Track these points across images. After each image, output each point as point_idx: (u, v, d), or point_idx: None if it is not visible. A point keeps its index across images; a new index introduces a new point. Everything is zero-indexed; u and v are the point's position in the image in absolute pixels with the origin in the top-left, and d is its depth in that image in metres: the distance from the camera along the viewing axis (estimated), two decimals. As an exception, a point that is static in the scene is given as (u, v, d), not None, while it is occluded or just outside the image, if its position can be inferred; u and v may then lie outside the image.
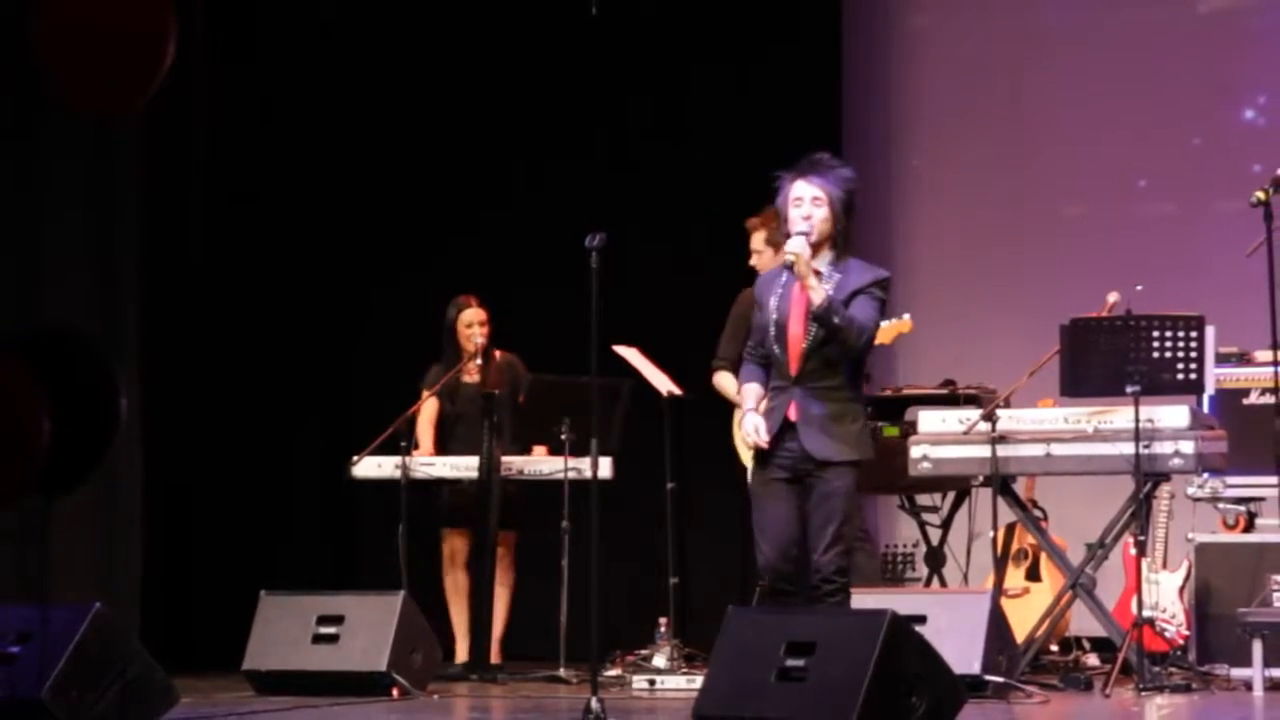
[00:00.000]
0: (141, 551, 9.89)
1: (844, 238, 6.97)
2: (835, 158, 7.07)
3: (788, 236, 6.94)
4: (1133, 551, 9.05)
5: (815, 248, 6.88)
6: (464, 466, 9.81)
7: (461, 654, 9.95)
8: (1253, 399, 9.51)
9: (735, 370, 8.44)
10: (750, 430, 6.90)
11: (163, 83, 3.68)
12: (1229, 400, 9.50)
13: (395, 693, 8.72)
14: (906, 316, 9.24)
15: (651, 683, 9.11)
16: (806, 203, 6.90)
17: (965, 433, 9.14)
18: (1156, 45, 11.31)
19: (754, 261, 9.11)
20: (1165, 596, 9.30)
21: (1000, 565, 9.72)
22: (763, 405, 6.98)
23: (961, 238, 11.49)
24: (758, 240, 9.15)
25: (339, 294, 11.47)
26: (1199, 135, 11.25)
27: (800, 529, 6.89)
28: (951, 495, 10.39)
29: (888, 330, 9.05)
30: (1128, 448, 8.78)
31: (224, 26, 10.87)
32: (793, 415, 6.87)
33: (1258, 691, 8.57)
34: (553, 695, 9.02)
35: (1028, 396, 9.50)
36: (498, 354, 10.05)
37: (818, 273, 6.88)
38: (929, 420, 9.34)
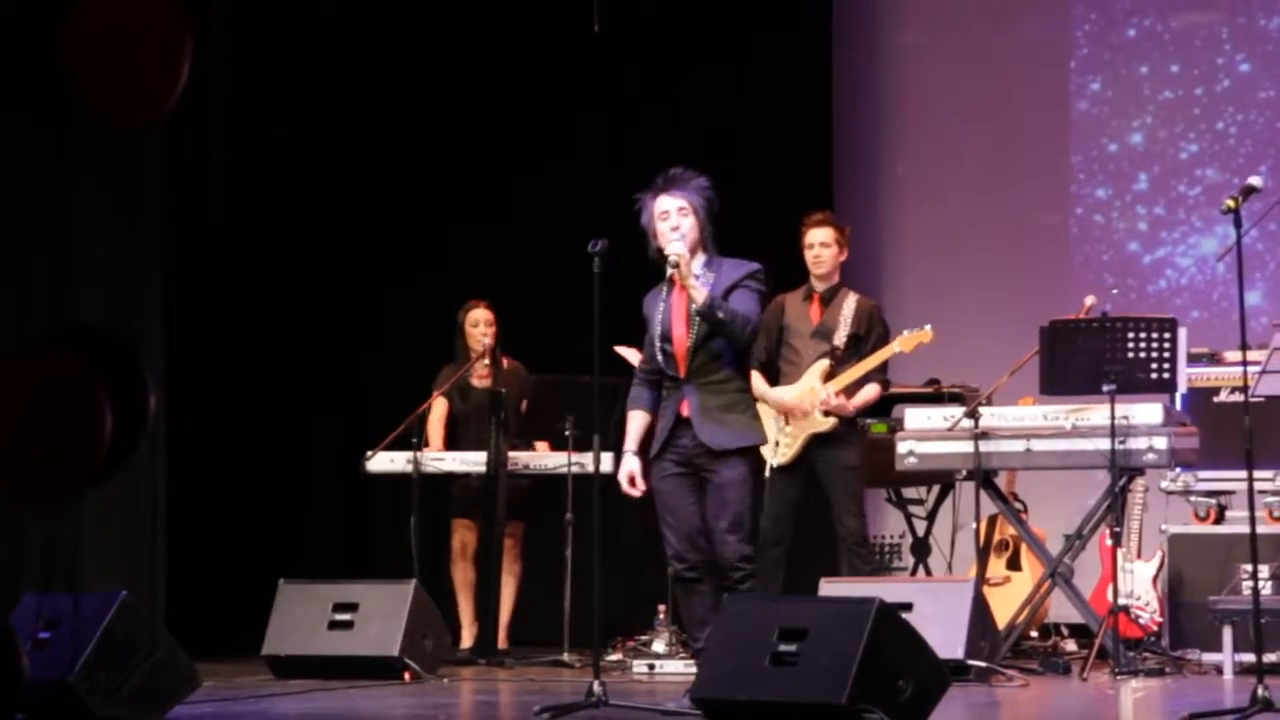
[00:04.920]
0: (167, 542, 9.97)
1: (711, 241, 7.32)
2: (690, 170, 7.36)
3: (659, 251, 7.25)
4: (1109, 542, 9.17)
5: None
6: (472, 461, 9.91)
7: (469, 640, 10.06)
8: (1223, 397, 9.58)
9: (763, 371, 8.79)
10: (622, 478, 7.28)
11: (181, 93, 3.73)
12: (1200, 398, 9.56)
13: (407, 676, 8.81)
14: (928, 327, 9.18)
15: (651, 667, 9.22)
16: (674, 215, 7.24)
17: (949, 429, 9.26)
18: (1136, 58, 11.44)
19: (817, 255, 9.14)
20: (1140, 585, 9.35)
21: (983, 555, 9.86)
22: (636, 443, 7.33)
23: (946, 243, 11.56)
24: (825, 235, 9.18)
25: (355, 297, 11.52)
26: (1173, 146, 11.34)
27: (703, 519, 7.19)
28: (936, 489, 10.54)
29: (909, 339, 9.18)
30: (1104, 443, 8.89)
31: (243, 35, 11.02)
32: (685, 411, 7.18)
33: (1227, 675, 8.67)
34: (557, 679, 9.07)
35: (1009, 395, 9.61)
36: (506, 361, 10.18)
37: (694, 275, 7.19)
38: (915, 417, 9.47)
